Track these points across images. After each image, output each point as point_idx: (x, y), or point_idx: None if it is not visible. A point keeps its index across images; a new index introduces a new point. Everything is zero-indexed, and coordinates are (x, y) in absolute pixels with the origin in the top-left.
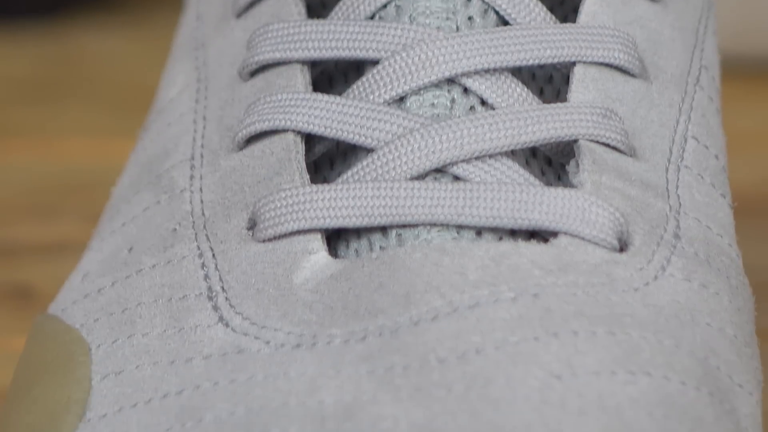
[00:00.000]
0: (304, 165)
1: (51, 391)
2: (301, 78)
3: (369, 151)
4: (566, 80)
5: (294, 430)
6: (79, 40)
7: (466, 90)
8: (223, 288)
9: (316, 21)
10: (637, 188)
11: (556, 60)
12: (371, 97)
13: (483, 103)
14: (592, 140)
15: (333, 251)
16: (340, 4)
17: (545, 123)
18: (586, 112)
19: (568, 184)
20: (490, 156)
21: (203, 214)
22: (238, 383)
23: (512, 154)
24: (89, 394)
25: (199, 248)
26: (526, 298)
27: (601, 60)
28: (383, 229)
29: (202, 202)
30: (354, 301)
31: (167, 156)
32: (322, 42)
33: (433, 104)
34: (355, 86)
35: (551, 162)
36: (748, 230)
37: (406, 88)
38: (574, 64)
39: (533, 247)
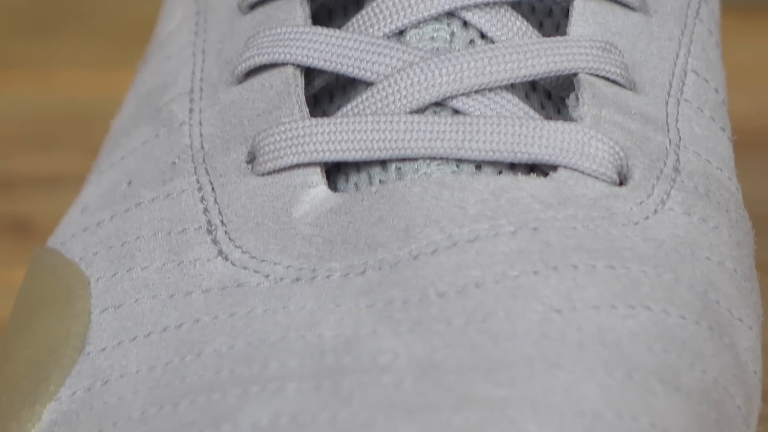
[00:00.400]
0: (303, 98)
1: (50, 325)
2: (301, 11)
3: (368, 84)
4: (566, 14)
5: (293, 364)
6: None
7: (465, 23)
8: (222, 221)
9: None
10: (637, 122)
11: None
12: (371, 30)
13: (482, 36)
14: (591, 74)
15: (332, 185)
16: None
17: (545, 57)
18: (586, 45)
19: (567, 118)
20: (490, 89)
21: (202, 147)
22: (238, 317)
23: (512, 87)
24: (88, 327)
25: (198, 182)
26: (525, 231)
27: None
28: (383, 163)
29: (201, 135)
30: (353, 235)
31: (166, 89)
32: None
33: (432, 38)
34: (354, 19)
35: (551, 96)
36: (747, 163)
37: (406, 21)
38: None
39: (533, 181)
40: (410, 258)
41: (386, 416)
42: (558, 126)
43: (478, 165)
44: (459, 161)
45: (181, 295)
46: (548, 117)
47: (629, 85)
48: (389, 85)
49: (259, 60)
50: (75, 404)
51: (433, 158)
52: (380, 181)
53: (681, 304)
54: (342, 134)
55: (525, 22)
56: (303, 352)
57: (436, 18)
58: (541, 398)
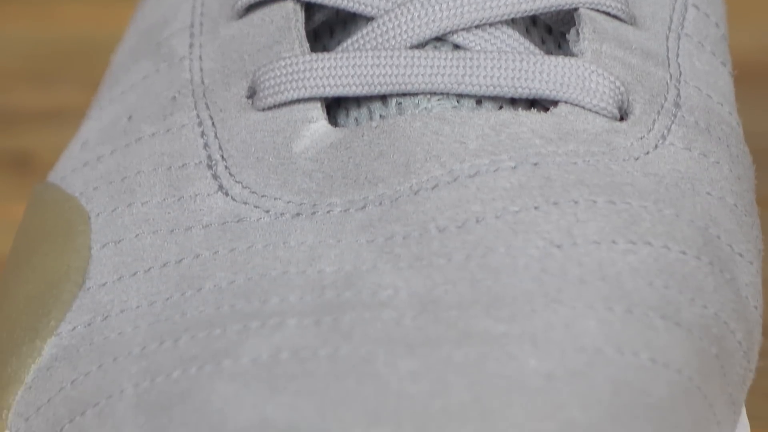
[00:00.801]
0: (303, 33)
1: (50, 260)
2: None
3: (369, 19)
4: None
5: (293, 299)
6: None
7: None
8: (222, 156)
9: None
10: (638, 57)
11: None
12: None
13: None
14: (592, 8)
15: (333, 120)
16: None
17: None
18: None
19: (568, 53)
20: (491, 24)
21: (203, 82)
22: (238, 252)
23: (512, 22)
24: (89, 262)
25: (198, 116)
26: (526, 167)
27: None
28: (383, 98)
29: (201, 70)
30: (354, 170)
31: (166, 24)
32: None
33: None
34: None
35: (551, 30)
36: (748, 98)
37: None
38: None
39: (533, 116)
40: (411, 193)
41: (386, 351)
42: (558, 61)
43: (479, 100)
44: (459, 96)
45: (181, 230)
46: (549, 52)
47: (630, 20)
48: (389, 20)
49: None
50: (75, 339)
51: (433, 93)
52: (381, 116)
53: (682, 239)
54: (342, 69)
55: None
56: (303, 287)
57: None
58: (541, 334)
